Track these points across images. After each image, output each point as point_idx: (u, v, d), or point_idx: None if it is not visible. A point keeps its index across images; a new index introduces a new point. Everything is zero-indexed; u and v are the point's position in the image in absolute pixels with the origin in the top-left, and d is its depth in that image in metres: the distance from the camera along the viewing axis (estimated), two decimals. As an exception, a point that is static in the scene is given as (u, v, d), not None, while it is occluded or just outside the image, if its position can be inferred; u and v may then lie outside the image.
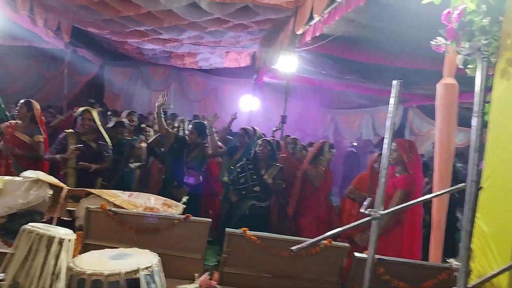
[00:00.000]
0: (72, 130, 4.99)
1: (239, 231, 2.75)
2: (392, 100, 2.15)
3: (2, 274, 2.07)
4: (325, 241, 2.73)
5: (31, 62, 13.56)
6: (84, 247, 2.75)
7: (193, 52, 11.31)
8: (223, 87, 13.79)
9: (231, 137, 6.97)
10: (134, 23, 8.44)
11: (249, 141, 6.15)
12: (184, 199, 3.68)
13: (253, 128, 6.97)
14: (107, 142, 5.06)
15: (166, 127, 5.43)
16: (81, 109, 5.08)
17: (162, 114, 5.29)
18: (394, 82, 2.16)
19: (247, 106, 11.60)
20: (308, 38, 6.29)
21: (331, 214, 5.58)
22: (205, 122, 5.36)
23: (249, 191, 5.07)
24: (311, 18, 5.83)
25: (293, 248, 2.04)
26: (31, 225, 2.08)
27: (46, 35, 9.19)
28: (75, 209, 3.62)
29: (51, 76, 13.62)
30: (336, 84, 11.08)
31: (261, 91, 11.54)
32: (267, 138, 5.77)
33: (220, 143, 6.19)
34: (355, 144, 12.24)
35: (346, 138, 13.45)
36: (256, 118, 11.23)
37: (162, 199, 3.61)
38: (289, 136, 7.88)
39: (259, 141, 5.32)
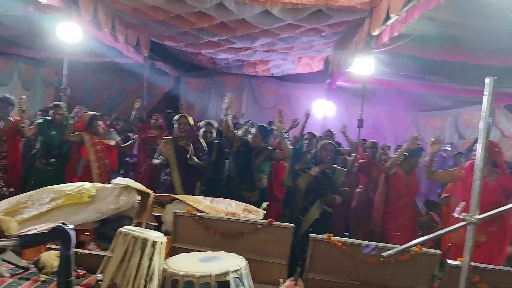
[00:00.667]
0: (170, 137, 5.30)
1: (323, 236, 2.71)
2: (485, 99, 2.01)
3: (100, 275, 2.18)
4: (415, 248, 2.62)
5: (113, 77, 14.38)
6: (172, 250, 2.85)
7: (265, 60, 11.42)
8: (296, 93, 13.74)
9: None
10: (208, 34, 8.69)
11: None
12: (264, 204, 3.70)
13: (330, 131, 6.91)
14: (203, 146, 5.29)
15: (232, 129, 5.51)
16: (177, 116, 5.40)
17: (229, 116, 5.38)
18: (487, 80, 2.02)
19: (321, 111, 11.49)
20: (385, 38, 6.11)
21: (416, 221, 5.35)
22: (273, 127, 5.39)
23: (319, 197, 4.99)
24: (387, 18, 5.67)
25: (384, 254, 1.96)
26: (126, 228, 2.18)
27: (127, 50, 9.68)
28: (161, 214, 3.76)
29: (131, 89, 14.33)
30: (416, 85, 10.62)
31: (335, 96, 11.39)
32: (331, 141, 5.65)
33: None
34: (448, 148, 11.49)
35: (427, 142, 12.79)
36: (330, 123, 11.07)
37: (242, 204, 3.66)
38: (366, 140, 7.72)
39: (323, 144, 5.25)
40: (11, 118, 5.77)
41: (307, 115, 6.53)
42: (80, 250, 2.85)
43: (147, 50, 10.55)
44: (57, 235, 1.67)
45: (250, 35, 8.51)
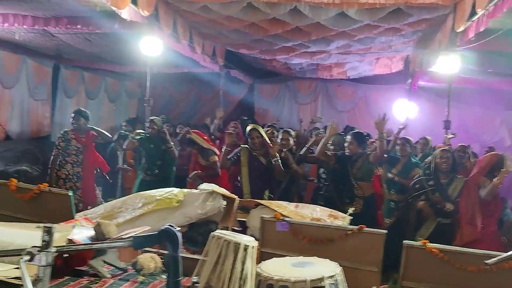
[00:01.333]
0: (246, 146, 5.46)
1: (418, 243, 2.59)
2: None
3: (196, 277, 2.24)
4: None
5: (190, 87, 14.83)
6: (260, 255, 2.86)
7: (341, 62, 11.23)
8: (374, 95, 13.33)
9: None
10: (282, 39, 8.72)
11: (411, 152, 5.88)
12: (350, 210, 3.63)
13: (425, 138, 6.65)
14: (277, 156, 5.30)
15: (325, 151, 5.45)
16: (249, 128, 5.53)
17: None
18: None
19: (402, 113, 11.05)
20: (471, 35, 5.76)
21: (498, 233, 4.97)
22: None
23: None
24: (473, 13, 5.36)
25: (488, 261, 1.84)
26: (219, 232, 2.23)
27: (203, 60, 9.99)
28: (245, 219, 3.81)
29: (207, 98, 14.69)
30: (507, 83, 9.91)
31: (417, 97, 10.89)
32: (446, 148, 5.37)
33: None
34: None
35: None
36: (412, 125, 10.64)
37: (328, 210, 3.61)
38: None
39: (439, 152, 4.97)
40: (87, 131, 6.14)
41: (401, 129, 6.39)
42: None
43: (222, 59, 10.81)
44: (165, 236, 1.76)
45: (325, 38, 8.42)
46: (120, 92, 13.86)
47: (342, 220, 3.39)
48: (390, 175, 5.92)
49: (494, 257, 1.83)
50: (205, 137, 6.39)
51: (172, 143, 6.44)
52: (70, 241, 2.39)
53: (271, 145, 5.25)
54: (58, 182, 5.85)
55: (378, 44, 8.85)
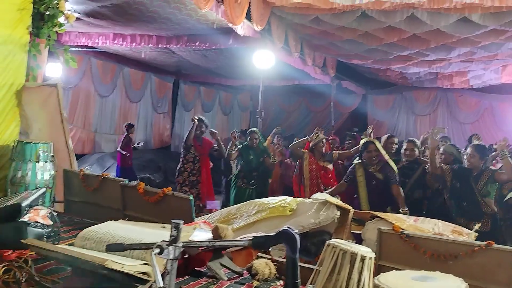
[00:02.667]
0: (360, 161, 5.27)
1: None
2: None
3: (311, 286, 2.21)
4: None
5: (301, 99, 15.01)
6: (377, 269, 2.75)
7: (463, 71, 10.52)
8: (501, 106, 12.27)
9: None
10: (397, 48, 8.42)
11: None
12: (476, 226, 3.35)
13: None
14: (394, 170, 5.06)
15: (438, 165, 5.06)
16: (364, 140, 5.36)
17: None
18: None
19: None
20: None
21: None
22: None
23: None
24: None
25: None
26: (334, 241, 2.18)
27: (314, 72, 10.04)
28: (359, 232, 3.69)
29: (318, 109, 14.74)
30: None
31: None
32: None
33: None
34: None
35: None
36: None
37: (451, 225, 3.37)
38: None
39: None
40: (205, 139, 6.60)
41: None
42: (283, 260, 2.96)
43: (333, 70, 10.75)
44: (284, 238, 1.77)
45: (446, 45, 7.97)
46: (233, 105, 14.49)
47: (467, 236, 3.14)
48: None
49: None
50: None
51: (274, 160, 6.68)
52: (191, 242, 2.51)
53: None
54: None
55: (505, 50, 8.16)
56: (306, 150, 6.28)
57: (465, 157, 4.95)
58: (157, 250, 1.53)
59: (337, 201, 3.59)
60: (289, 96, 14.88)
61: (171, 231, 1.58)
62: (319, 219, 3.42)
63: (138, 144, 9.04)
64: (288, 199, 3.71)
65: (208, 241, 2.03)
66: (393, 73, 11.28)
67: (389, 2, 5.90)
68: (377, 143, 5.23)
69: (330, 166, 6.19)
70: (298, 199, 3.75)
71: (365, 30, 7.37)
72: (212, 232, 2.71)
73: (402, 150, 5.48)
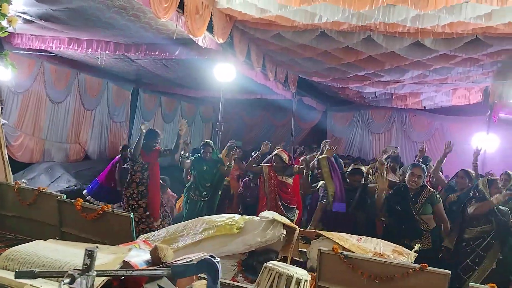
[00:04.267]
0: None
1: (485, 287, 2.40)
2: None
3: (246, 308, 2.21)
4: None
5: (263, 113, 15.12)
6: (317, 289, 2.78)
7: (416, 92, 10.93)
8: (451, 126, 12.85)
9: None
10: (355, 68, 8.65)
11: (470, 185, 5.60)
12: (416, 247, 3.43)
13: (507, 173, 6.33)
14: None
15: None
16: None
17: None
18: None
19: (481, 146, 10.45)
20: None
21: None
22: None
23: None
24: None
25: None
26: (271, 263, 2.18)
27: (276, 87, 10.12)
28: (306, 250, 3.72)
29: (280, 124, 14.90)
30: None
31: (497, 129, 10.33)
32: None
33: None
34: None
35: None
36: (492, 159, 10.04)
37: (392, 245, 3.43)
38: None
39: None
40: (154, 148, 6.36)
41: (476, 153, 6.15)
42: (228, 281, 2.94)
43: (295, 86, 10.90)
44: (205, 267, 1.73)
45: (400, 67, 8.24)
46: (195, 116, 14.40)
47: (407, 256, 3.21)
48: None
49: None
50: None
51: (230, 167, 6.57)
52: (127, 263, 2.45)
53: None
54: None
55: (455, 74, 8.52)
56: (266, 165, 6.33)
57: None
58: (67, 280, 1.38)
59: (284, 219, 3.60)
60: (252, 109, 14.98)
61: (84, 259, 1.45)
62: (266, 238, 3.41)
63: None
64: (237, 217, 3.68)
65: (125, 270, 1.93)
66: (351, 91, 11.56)
67: (347, 23, 6.06)
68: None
69: (290, 181, 6.21)
70: (247, 217, 3.73)
71: (324, 49, 7.50)
72: (150, 253, 2.66)
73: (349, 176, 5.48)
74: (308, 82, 11.03)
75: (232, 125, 14.98)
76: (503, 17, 5.28)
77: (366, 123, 14.21)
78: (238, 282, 3.57)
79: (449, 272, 2.55)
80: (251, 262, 3.54)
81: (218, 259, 1.75)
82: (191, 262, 1.77)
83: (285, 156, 6.21)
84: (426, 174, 5.20)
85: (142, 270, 2.22)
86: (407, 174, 5.05)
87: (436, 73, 8.50)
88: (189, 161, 6.46)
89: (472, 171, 6.01)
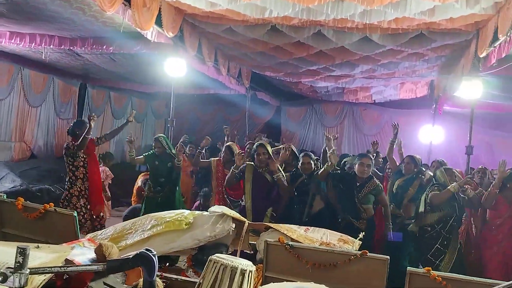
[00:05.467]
0: (251, 162, 5.47)
1: (422, 270, 2.50)
2: None
3: (191, 302, 2.20)
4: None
5: (217, 108, 15.04)
6: (264, 280, 2.81)
7: (366, 86, 11.19)
8: (399, 119, 13.07)
9: None
10: (307, 63, 8.74)
11: (416, 170, 5.92)
12: (361, 235, 3.52)
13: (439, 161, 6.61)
14: (282, 174, 5.33)
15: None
16: (256, 143, 5.58)
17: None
18: None
19: (427, 138, 10.89)
20: (493, 60, 5.72)
21: None
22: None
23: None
24: (495, 39, 5.31)
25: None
26: (216, 256, 2.18)
27: (229, 82, 10.07)
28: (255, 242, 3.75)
29: (234, 119, 14.86)
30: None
31: (442, 121, 10.77)
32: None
33: None
34: None
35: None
36: (438, 150, 10.45)
37: (338, 234, 3.53)
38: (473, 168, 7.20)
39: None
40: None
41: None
42: (176, 276, 2.92)
43: (248, 81, 10.89)
44: (141, 261, 1.71)
45: (350, 62, 8.41)
46: (146, 112, 14.13)
47: (351, 244, 3.30)
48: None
49: (492, 286, 1.74)
50: None
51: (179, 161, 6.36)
52: (70, 262, 2.38)
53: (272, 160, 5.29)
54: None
55: (402, 69, 8.79)
56: (215, 159, 6.31)
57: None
58: (0, 279, 1.36)
59: (233, 213, 3.61)
60: (206, 105, 14.88)
61: (16, 257, 1.42)
62: (215, 232, 3.41)
63: None
64: (186, 212, 3.66)
65: (60, 267, 1.88)
66: (304, 86, 11.69)
67: (297, 18, 6.12)
68: (267, 146, 5.48)
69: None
70: (196, 212, 3.72)
71: (276, 44, 7.54)
72: (95, 251, 2.60)
73: (299, 164, 5.56)
74: (261, 77, 11.06)
75: (186, 120, 14.85)
76: (445, 13, 5.49)
77: (319, 117, 14.42)
78: (189, 277, 3.57)
79: (388, 257, 2.65)
80: (201, 257, 3.53)
81: (155, 253, 1.73)
82: (128, 257, 1.73)
83: (235, 149, 6.23)
84: (373, 163, 5.38)
85: (77, 266, 2.16)
86: (356, 164, 5.21)
87: (384, 68, 8.73)
88: (141, 157, 6.39)
89: (418, 156, 6.24)
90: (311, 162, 5.49)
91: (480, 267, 4.95)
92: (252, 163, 5.48)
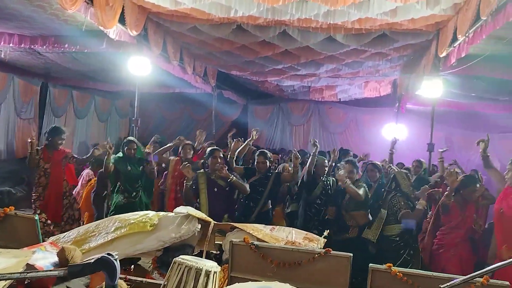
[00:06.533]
0: (202, 171, 5.35)
1: (383, 267, 2.57)
2: None
3: (156, 304, 2.19)
4: (481, 279, 2.41)
5: (183, 107, 14.93)
6: (229, 280, 2.82)
7: (332, 85, 11.35)
8: (364, 118, 13.51)
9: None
10: (272, 62, 8.80)
11: (379, 175, 5.93)
12: (326, 233, 3.58)
13: (419, 160, 6.74)
14: (235, 175, 5.23)
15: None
16: (210, 149, 5.43)
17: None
18: None
19: (391, 135, 11.13)
20: (453, 60, 5.91)
21: (473, 253, 4.93)
22: None
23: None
24: (454, 39, 5.49)
25: (442, 286, 1.81)
26: (181, 258, 2.18)
27: (195, 81, 10.02)
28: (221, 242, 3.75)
29: (201, 118, 14.77)
30: (490, 107, 10.10)
31: (405, 119, 11.04)
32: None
33: None
34: None
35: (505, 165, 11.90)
36: (401, 148, 10.70)
37: (303, 233, 3.57)
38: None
39: None
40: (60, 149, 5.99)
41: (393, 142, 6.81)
42: (141, 279, 2.90)
43: (214, 80, 10.86)
44: (102, 265, 1.68)
45: (315, 61, 8.51)
46: (110, 111, 13.86)
47: (317, 242, 3.35)
48: None
49: (450, 281, 1.81)
50: None
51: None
52: (31, 266, 2.33)
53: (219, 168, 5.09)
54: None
55: (366, 68, 8.96)
56: (174, 158, 6.18)
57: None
58: None
59: (199, 213, 3.59)
60: (172, 104, 14.75)
61: None
62: (180, 233, 3.39)
63: None
64: (151, 213, 3.62)
65: (20, 272, 1.84)
66: (270, 85, 11.75)
67: (262, 18, 6.15)
68: (221, 152, 5.37)
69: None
70: (161, 213, 3.67)
71: (242, 43, 7.55)
72: (57, 255, 2.55)
73: (255, 163, 5.55)
74: (227, 76, 11.05)
75: (151, 120, 14.67)
76: (407, 13, 5.63)
77: (286, 116, 14.53)
78: (154, 279, 3.53)
79: (351, 254, 2.70)
80: (167, 258, 3.49)
81: (116, 256, 1.71)
82: (89, 261, 1.70)
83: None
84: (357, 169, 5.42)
85: (37, 271, 2.12)
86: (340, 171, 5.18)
87: (349, 67, 8.87)
88: (112, 164, 5.88)
89: (379, 163, 6.30)
90: (266, 161, 5.49)
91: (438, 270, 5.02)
92: (203, 170, 5.36)
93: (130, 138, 6.32)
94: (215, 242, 3.82)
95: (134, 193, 5.95)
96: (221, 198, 5.14)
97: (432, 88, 6.98)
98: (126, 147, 5.97)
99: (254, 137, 5.84)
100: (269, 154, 5.72)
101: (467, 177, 5.08)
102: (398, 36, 6.65)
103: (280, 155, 10.29)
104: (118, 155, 6.05)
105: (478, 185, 4.92)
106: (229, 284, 2.76)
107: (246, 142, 5.99)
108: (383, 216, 4.96)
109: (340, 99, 12.59)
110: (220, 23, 6.57)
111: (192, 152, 6.25)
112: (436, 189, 5.41)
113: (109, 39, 6.31)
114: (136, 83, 7.84)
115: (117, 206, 5.87)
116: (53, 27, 6.25)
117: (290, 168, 5.88)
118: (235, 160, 5.70)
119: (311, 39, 7.03)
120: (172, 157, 6.43)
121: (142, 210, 5.75)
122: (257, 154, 5.59)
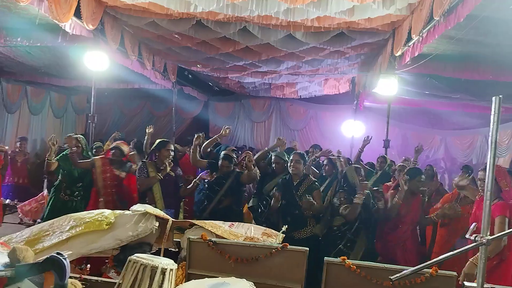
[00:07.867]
0: (150, 160, 5.44)
1: (338, 260, 2.63)
2: (492, 118, 1.91)
3: (111, 303, 2.16)
4: (429, 270, 2.51)
5: (143, 103, 14.69)
6: (187, 277, 2.81)
7: (292, 82, 11.45)
8: (324, 115, 13.72)
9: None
10: (233, 58, 8.79)
11: (334, 171, 6.02)
12: (284, 228, 3.62)
13: (383, 156, 6.83)
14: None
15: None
16: (160, 140, 5.48)
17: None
18: (494, 98, 1.93)
19: (349, 132, 11.37)
20: (407, 59, 6.09)
21: (417, 245, 5.10)
22: None
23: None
24: (409, 38, 5.66)
25: (393, 277, 1.87)
26: (136, 256, 2.16)
27: (154, 77, 9.85)
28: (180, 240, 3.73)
29: (161, 114, 14.59)
30: (442, 104, 10.50)
31: (363, 116, 11.30)
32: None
33: None
34: None
35: (459, 160, 12.44)
36: (358, 144, 10.94)
37: (262, 228, 3.60)
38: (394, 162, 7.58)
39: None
40: None
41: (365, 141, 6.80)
42: (96, 278, 2.85)
43: (174, 76, 10.75)
44: (51, 265, 1.65)
45: (275, 58, 8.56)
46: (66, 107, 13.47)
47: (275, 238, 3.38)
48: None
49: (400, 272, 1.87)
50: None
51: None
52: None
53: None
54: None
55: (325, 66, 9.08)
56: (98, 157, 5.95)
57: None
58: None
59: (157, 211, 3.56)
60: (131, 100, 14.49)
61: None
62: (138, 231, 3.35)
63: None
64: (107, 212, 3.55)
65: None
66: (232, 81, 11.74)
67: (222, 14, 6.13)
68: (171, 145, 5.46)
69: (124, 175, 5.88)
70: (118, 211, 3.62)
71: (202, 39, 7.50)
72: (8, 255, 2.47)
73: (220, 163, 5.46)
74: (189, 72, 10.95)
75: (110, 116, 14.40)
76: (364, 13, 5.75)
77: (247, 113, 14.54)
78: (111, 278, 3.48)
79: (307, 249, 2.75)
80: (124, 257, 3.42)
81: (66, 256, 1.68)
82: (38, 261, 1.66)
83: (125, 149, 6.01)
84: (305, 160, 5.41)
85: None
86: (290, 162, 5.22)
87: (309, 64, 8.98)
88: (55, 161, 5.67)
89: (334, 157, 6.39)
90: (231, 165, 5.44)
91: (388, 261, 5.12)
92: (150, 161, 5.44)
93: (76, 135, 6.26)
94: (174, 240, 3.80)
95: (77, 192, 5.91)
96: (174, 188, 5.33)
97: (388, 86, 7.18)
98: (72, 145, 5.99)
99: (223, 133, 5.82)
100: (235, 157, 5.63)
101: (412, 169, 5.22)
102: (356, 35, 6.78)
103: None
104: (62, 154, 5.95)
105: (423, 176, 5.01)
106: (187, 281, 2.76)
107: (213, 137, 6.00)
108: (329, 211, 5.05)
109: (300, 96, 12.73)
110: (179, 18, 6.49)
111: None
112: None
113: (64, 32, 6.13)
114: (93, 78, 7.67)
115: (59, 203, 5.84)
116: (4, 19, 6.01)
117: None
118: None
119: (272, 37, 7.08)
120: (95, 157, 6.02)
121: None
122: (221, 157, 5.48)
